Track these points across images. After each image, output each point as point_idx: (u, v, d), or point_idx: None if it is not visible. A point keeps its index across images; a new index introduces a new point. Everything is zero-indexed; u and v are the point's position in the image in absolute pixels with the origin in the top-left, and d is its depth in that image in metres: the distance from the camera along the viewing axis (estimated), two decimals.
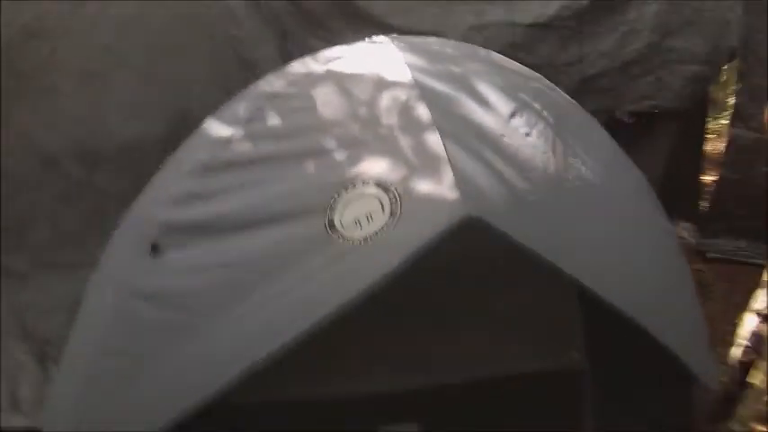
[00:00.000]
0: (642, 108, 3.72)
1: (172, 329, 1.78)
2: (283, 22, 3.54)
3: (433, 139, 1.76)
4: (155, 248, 1.86)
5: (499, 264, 2.18)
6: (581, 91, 3.48)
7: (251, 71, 3.38)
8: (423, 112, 1.86)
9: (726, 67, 4.24)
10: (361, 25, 3.43)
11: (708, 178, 4.44)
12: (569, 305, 2.24)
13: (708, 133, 4.71)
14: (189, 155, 2.06)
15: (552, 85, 2.42)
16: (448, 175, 1.65)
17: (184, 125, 3.24)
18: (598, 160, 2.08)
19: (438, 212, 1.58)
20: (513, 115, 1.99)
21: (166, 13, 3.32)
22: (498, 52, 2.75)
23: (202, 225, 1.85)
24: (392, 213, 1.64)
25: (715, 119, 5.29)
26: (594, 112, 3.39)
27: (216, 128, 2.06)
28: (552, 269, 1.69)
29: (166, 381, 1.77)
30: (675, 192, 4.07)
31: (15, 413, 2.91)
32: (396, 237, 1.60)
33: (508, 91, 2.10)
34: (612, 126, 3.61)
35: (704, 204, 4.25)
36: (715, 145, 4.86)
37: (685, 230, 4.24)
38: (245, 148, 1.94)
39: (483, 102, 2.00)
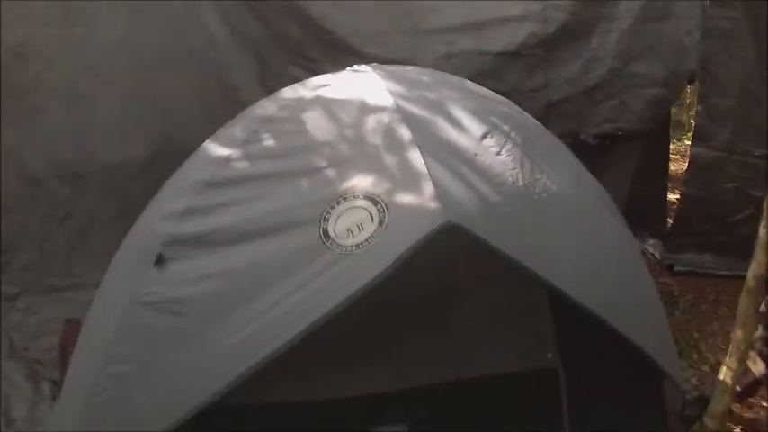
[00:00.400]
0: (606, 131, 4.10)
1: (176, 336, 2.02)
2: (263, 50, 3.83)
3: (415, 157, 2.06)
4: (159, 260, 2.10)
5: (475, 273, 2.49)
6: (547, 116, 3.84)
7: (232, 97, 3.69)
8: (404, 133, 2.16)
9: (689, 89, 4.65)
10: (338, 54, 3.74)
11: (673, 196, 4.81)
12: (541, 309, 2.53)
13: (673, 154, 5.12)
14: (190, 173, 2.33)
15: (520, 109, 2.74)
16: (428, 188, 1.95)
17: (167, 148, 3.55)
18: (563, 176, 2.40)
19: (421, 220, 1.87)
20: (484, 136, 2.31)
21: (151, 39, 3.60)
22: (468, 79, 3.09)
23: (204, 238, 2.10)
24: (380, 222, 1.93)
25: (680, 140, 5.72)
26: (560, 136, 3.75)
27: (215, 148, 2.34)
28: (525, 272, 1.98)
29: (171, 384, 1.99)
30: (642, 210, 4.45)
31: (9, 431, 3.09)
32: (384, 242, 1.88)
33: (480, 115, 2.42)
34: (577, 148, 3.98)
35: (670, 221, 4.62)
36: (680, 165, 5.26)
37: (651, 246, 4.61)
38: (243, 166, 2.22)
39: (457, 124, 2.31)
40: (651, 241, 4.63)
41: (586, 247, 2.28)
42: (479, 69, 3.80)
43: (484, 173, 2.16)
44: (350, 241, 1.92)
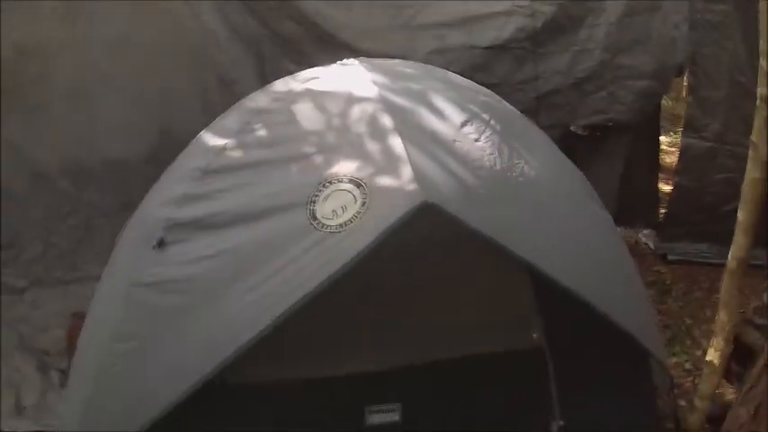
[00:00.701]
0: (595, 121, 4.31)
1: (177, 312, 2.24)
2: (261, 47, 4.07)
3: (396, 143, 2.27)
4: (160, 243, 2.32)
5: (463, 258, 2.68)
6: (537, 107, 4.08)
7: (231, 92, 3.91)
8: (386, 121, 2.38)
9: (685, 83, 4.84)
10: (334, 50, 3.94)
11: (666, 187, 5.01)
12: (525, 291, 2.72)
13: (670, 146, 5.32)
14: (187, 162, 2.56)
15: (500, 98, 2.96)
16: (408, 172, 2.16)
17: (168, 143, 3.78)
18: (540, 161, 2.61)
19: (400, 201, 2.08)
20: (464, 124, 2.52)
21: (153, 36, 3.84)
22: (459, 73, 3.32)
23: (202, 221, 2.32)
24: (363, 203, 2.14)
25: (677, 133, 5.90)
26: (550, 126, 3.99)
27: (210, 138, 2.57)
28: (500, 249, 2.18)
29: (173, 359, 2.19)
30: (635, 200, 4.66)
31: (20, 418, 3.31)
32: (366, 221, 2.10)
33: (461, 104, 2.63)
34: (568, 140, 4.19)
35: (663, 211, 4.82)
36: (675, 157, 5.45)
37: (645, 236, 4.82)
38: (238, 155, 2.44)
39: (438, 113, 2.52)
40: (645, 231, 4.84)
41: (564, 228, 2.47)
42: (470, 63, 4.03)
43: (462, 158, 2.37)
44: (335, 221, 2.13)
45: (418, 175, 2.14)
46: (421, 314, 2.73)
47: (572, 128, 4.28)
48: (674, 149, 5.74)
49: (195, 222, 2.33)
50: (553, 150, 2.87)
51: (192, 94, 3.97)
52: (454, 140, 2.43)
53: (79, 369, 2.56)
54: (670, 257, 4.62)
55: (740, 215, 3.02)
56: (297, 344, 2.45)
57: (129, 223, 2.68)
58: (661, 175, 5.12)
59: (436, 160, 2.29)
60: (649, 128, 4.65)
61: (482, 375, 2.73)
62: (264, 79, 3.94)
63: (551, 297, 2.48)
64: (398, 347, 2.70)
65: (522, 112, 3.43)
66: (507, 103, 2.97)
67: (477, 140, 2.48)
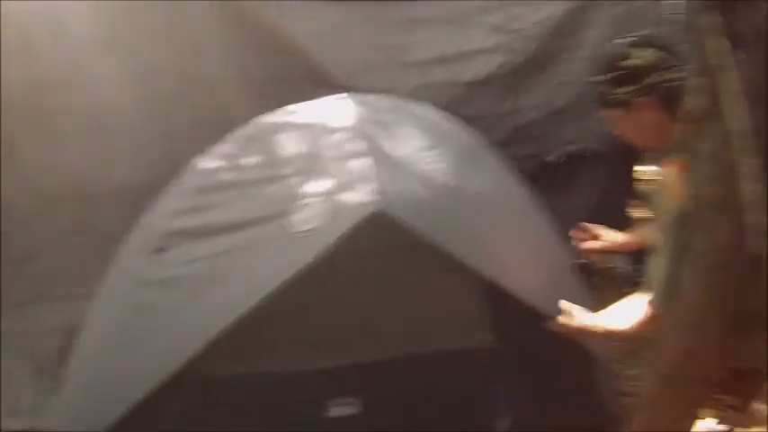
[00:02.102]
0: (570, 151, 4.82)
1: (171, 306, 2.88)
2: (260, 86, 4.68)
3: (362, 164, 2.91)
4: (159, 249, 2.99)
5: (417, 263, 3.28)
6: (514, 139, 4.64)
7: (230, 126, 4.55)
8: (357, 146, 3.02)
9: None
10: (326, 86, 4.50)
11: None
12: (476, 295, 3.30)
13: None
14: (186, 181, 3.24)
15: (460, 128, 3.62)
16: (369, 187, 2.79)
17: (174, 172, 4.42)
18: (492, 180, 3.28)
19: (358, 210, 2.72)
20: (424, 149, 3.17)
21: (160, 72, 4.50)
22: (442, 107, 3.99)
23: (196, 230, 2.98)
24: (330, 213, 2.78)
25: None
26: (527, 157, 4.56)
27: (206, 162, 3.24)
28: (444, 254, 2.79)
29: (159, 350, 2.80)
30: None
31: (15, 418, 3.91)
32: (328, 228, 2.74)
33: (424, 131, 3.29)
34: (545, 169, 4.76)
35: None
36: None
37: (621, 260, 5.33)
38: (228, 176, 3.13)
39: (403, 139, 3.18)
40: (618, 257, 5.34)
41: (507, 236, 3.10)
42: (453, 97, 4.56)
43: (419, 176, 3.01)
44: (305, 227, 2.78)
45: (377, 190, 2.77)
46: (379, 315, 3.34)
47: (548, 158, 4.81)
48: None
49: (190, 231, 2.99)
50: (502, 171, 3.56)
51: (196, 130, 4.50)
52: (413, 162, 3.07)
53: (85, 346, 3.14)
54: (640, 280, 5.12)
55: None
56: (264, 340, 3.05)
57: (131, 234, 3.35)
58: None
59: (396, 178, 2.93)
60: (627, 158, 5.17)
61: (435, 372, 3.30)
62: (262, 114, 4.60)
63: (501, 300, 2.95)
64: (357, 345, 3.30)
65: (500, 143, 4.08)
66: (466, 133, 3.63)
67: (434, 162, 3.12)
